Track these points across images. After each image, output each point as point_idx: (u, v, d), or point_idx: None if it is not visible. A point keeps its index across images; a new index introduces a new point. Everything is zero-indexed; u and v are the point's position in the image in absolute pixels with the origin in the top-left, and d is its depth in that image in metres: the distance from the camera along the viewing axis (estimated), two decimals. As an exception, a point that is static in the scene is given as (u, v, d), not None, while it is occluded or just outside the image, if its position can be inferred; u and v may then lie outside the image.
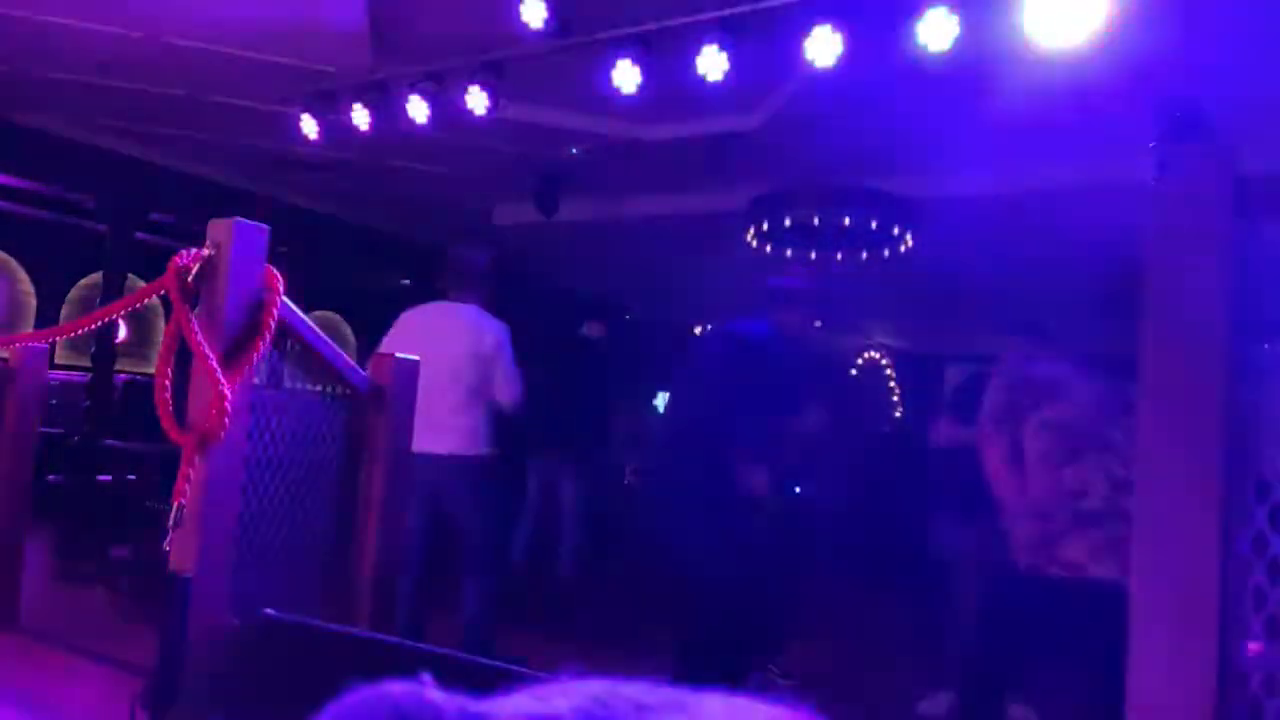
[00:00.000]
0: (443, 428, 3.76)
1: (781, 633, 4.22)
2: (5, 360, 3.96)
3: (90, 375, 7.44)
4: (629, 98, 4.13)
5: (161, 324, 9.62)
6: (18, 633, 3.84)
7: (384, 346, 3.91)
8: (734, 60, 3.88)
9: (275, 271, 2.08)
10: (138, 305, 2.22)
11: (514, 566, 5.73)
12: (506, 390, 3.94)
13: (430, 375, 3.67)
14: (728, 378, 3.51)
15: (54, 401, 7.18)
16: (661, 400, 11.50)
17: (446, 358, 3.77)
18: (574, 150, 6.18)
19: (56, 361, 8.58)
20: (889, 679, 4.53)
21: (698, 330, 11.20)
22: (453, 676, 0.53)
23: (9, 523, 3.93)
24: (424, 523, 3.83)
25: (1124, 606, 2.39)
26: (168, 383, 1.93)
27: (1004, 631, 2.66)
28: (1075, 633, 2.56)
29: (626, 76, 4.06)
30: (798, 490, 4.07)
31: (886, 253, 6.82)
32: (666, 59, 4.01)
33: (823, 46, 3.69)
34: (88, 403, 7.23)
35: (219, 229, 2.03)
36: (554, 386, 5.77)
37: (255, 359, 2.00)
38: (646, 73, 4.04)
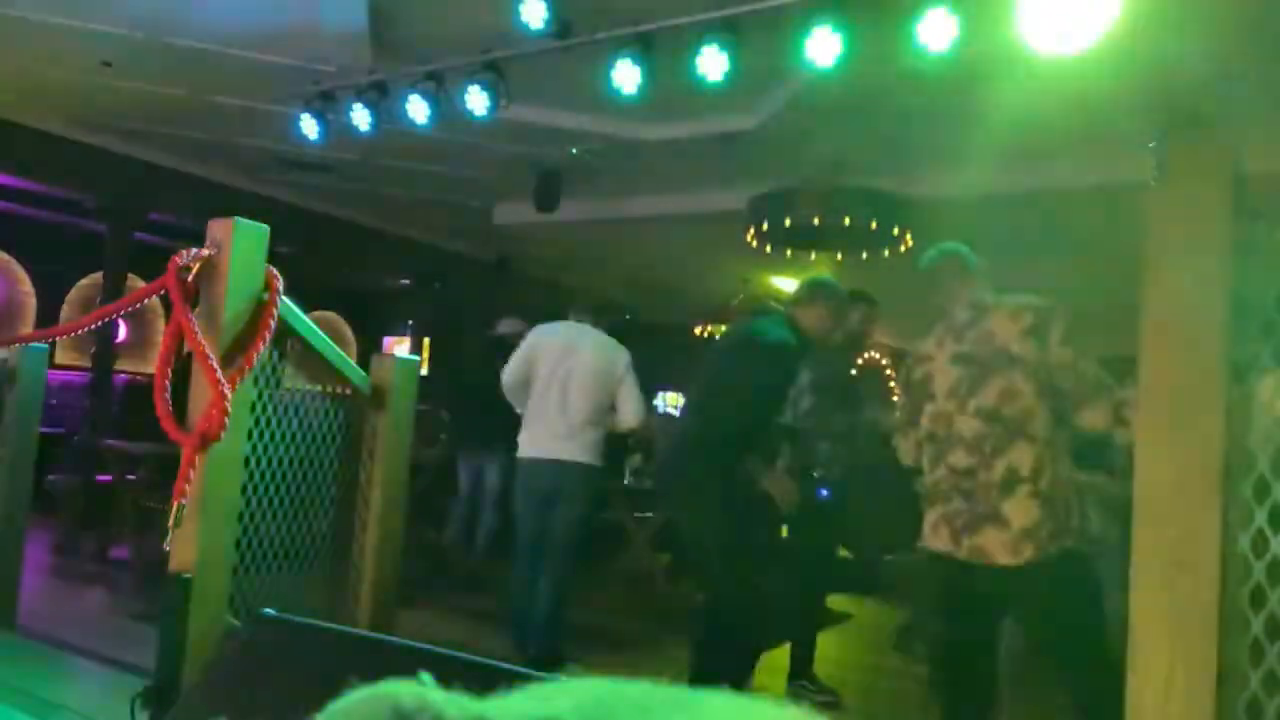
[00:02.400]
0: (569, 438, 4.19)
1: (810, 644, 4.16)
2: (5, 360, 3.96)
3: (90, 375, 7.44)
4: (629, 98, 4.13)
5: (161, 324, 9.63)
6: (18, 633, 3.84)
7: (519, 359, 4.35)
8: (734, 60, 3.88)
9: (275, 271, 2.08)
10: (138, 305, 2.22)
11: (448, 551, 6.05)
12: (632, 412, 4.31)
13: (563, 390, 4.20)
14: (737, 379, 3.44)
15: (54, 401, 7.17)
16: (661, 400, 11.50)
17: (581, 375, 4.21)
18: (574, 150, 6.18)
19: (56, 361, 8.58)
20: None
21: (698, 330, 11.19)
22: (453, 676, 0.53)
23: (9, 522, 3.93)
24: (537, 521, 4.23)
25: (960, 577, 2.59)
26: (168, 383, 1.93)
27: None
28: (946, 605, 2.83)
29: (626, 76, 4.06)
30: (823, 493, 4.05)
31: (886, 253, 6.82)
32: (666, 59, 4.01)
33: (823, 46, 3.68)
34: (88, 403, 7.24)
35: (219, 229, 2.03)
36: (477, 384, 6.15)
37: (255, 359, 1.99)
38: (646, 73, 4.04)
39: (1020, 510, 2.48)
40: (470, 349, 8.12)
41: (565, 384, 4.19)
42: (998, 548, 2.49)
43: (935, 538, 2.66)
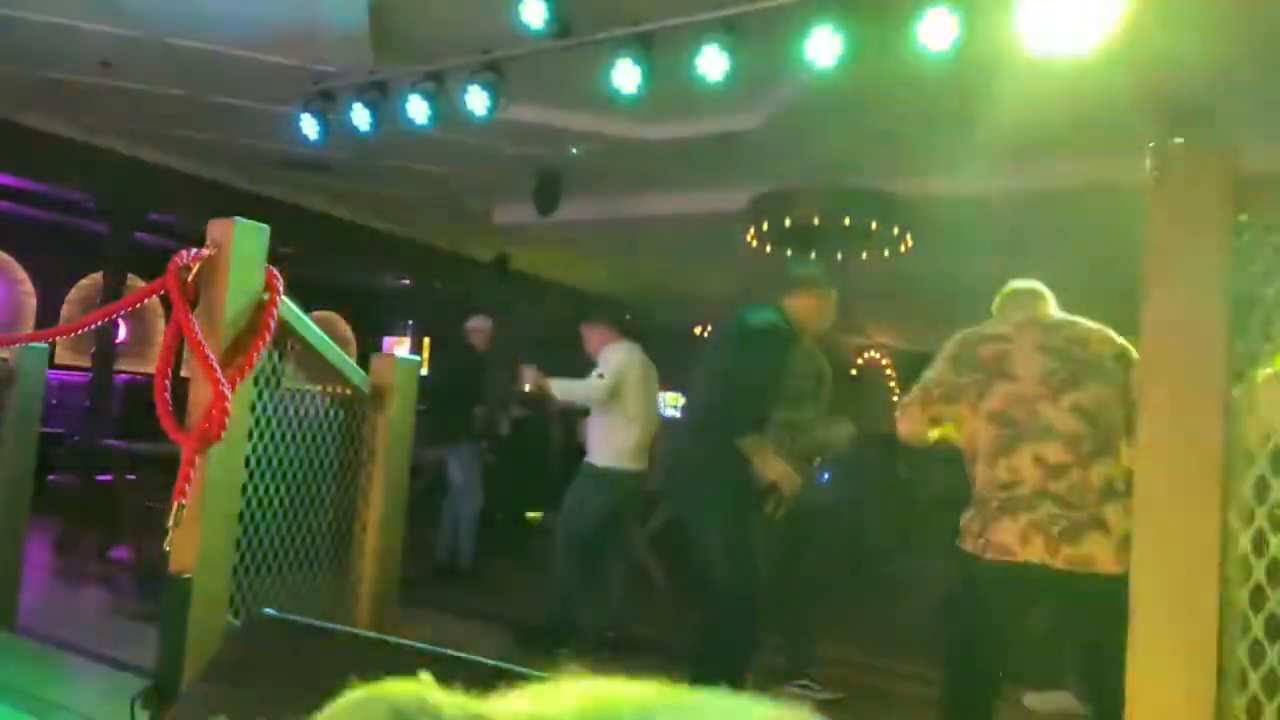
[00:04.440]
0: (646, 451, 4.75)
1: (811, 641, 4.17)
2: (5, 360, 3.97)
3: (90, 375, 7.44)
4: (629, 98, 4.13)
5: (161, 324, 9.63)
6: (18, 633, 3.84)
7: (618, 376, 4.70)
8: (734, 60, 3.87)
9: (275, 271, 2.08)
10: (138, 305, 2.22)
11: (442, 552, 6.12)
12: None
13: (649, 407, 4.78)
14: (736, 368, 3.45)
15: (54, 401, 7.17)
16: (661, 401, 11.48)
17: (656, 394, 4.94)
18: (574, 150, 6.18)
19: (56, 361, 8.58)
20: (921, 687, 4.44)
21: (698, 330, 11.18)
22: (453, 676, 0.53)
23: (9, 522, 3.93)
24: (610, 526, 4.67)
25: (1051, 587, 2.44)
26: (168, 382, 1.93)
27: (963, 618, 2.71)
28: (1015, 614, 2.62)
29: (626, 76, 4.06)
30: (826, 476, 4.08)
31: (886, 253, 6.82)
32: (666, 59, 4.00)
33: (823, 46, 3.68)
34: (88, 403, 7.24)
35: (219, 229, 2.03)
36: (443, 382, 6.46)
37: (255, 359, 1.99)
38: (646, 73, 4.04)
39: (1118, 518, 2.38)
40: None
41: (650, 403, 4.81)
42: (1105, 556, 2.37)
43: (1026, 547, 2.44)
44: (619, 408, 4.64)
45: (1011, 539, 2.47)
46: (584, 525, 4.59)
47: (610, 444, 4.64)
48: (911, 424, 2.70)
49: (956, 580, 2.74)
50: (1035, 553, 2.43)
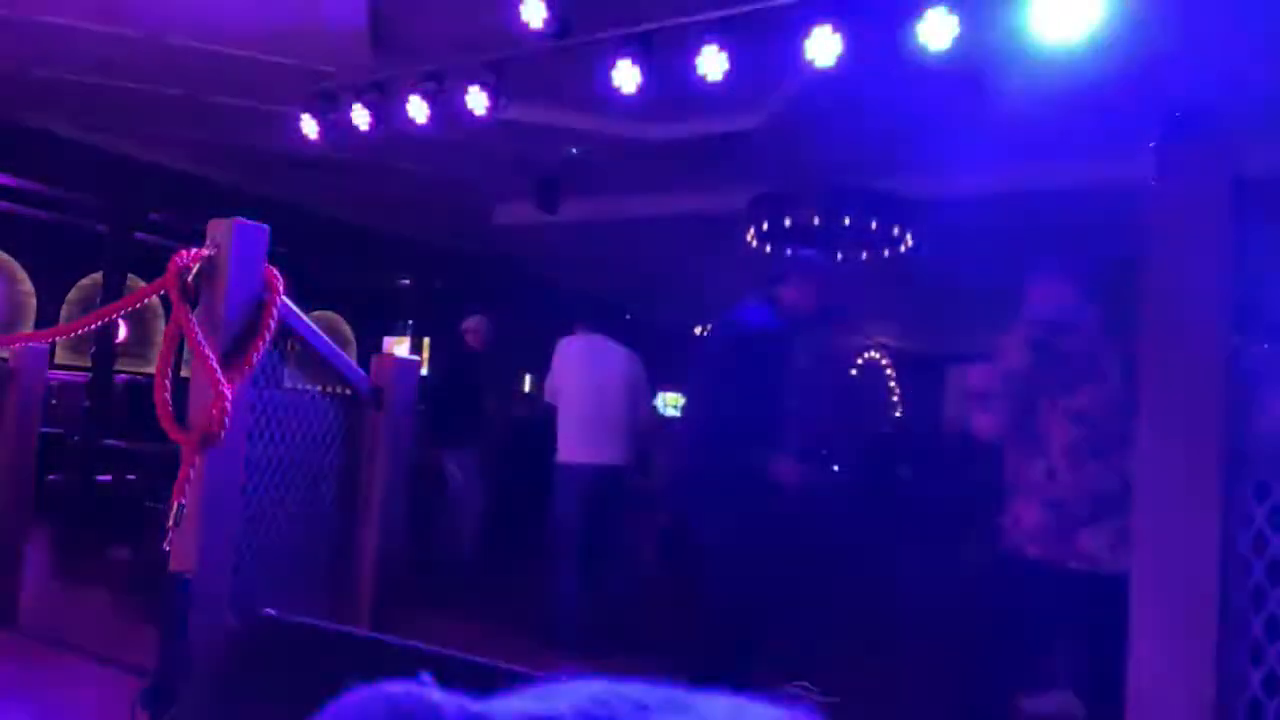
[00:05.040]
0: (606, 442, 4.60)
1: (811, 645, 4.18)
2: (5, 360, 3.97)
3: (90, 375, 7.44)
4: (629, 98, 4.13)
5: (161, 324, 9.62)
6: (18, 633, 3.84)
7: (555, 373, 4.77)
8: (734, 60, 3.87)
9: (275, 271, 2.08)
10: (138, 305, 2.22)
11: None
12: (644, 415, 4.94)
13: (600, 397, 4.60)
14: (739, 371, 3.42)
15: (54, 401, 7.17)
16: (661, 401, 11.49)
17: (614, 383, 4.68)
18: (574, 150, 6.18)
19: (56, 361, 8.57)
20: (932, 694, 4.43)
21: (698, 330, 11.18)
22: (453, 676, 0.53)
23: (10, 523, 3.93)
24: (584, 521, 4.59)
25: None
26: (168, 382, 1.93)
27: (1023, 625, 2.59)
28: (1098, 625, 2.48)
29: (626, 76, 4.06)
30: (835, 468, 4.11)
31: (886, 253, 6.82)
32: (666, 59, 4.00)
33: (823, 46, 3.68)
34: (88, 403, 7.24)
35: (219, 229, 2.02)
36: (438, 382, 6.53)
37: (255, 359, 1.99)
38: (646, 73, 4.04)
39: None
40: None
41: (589, 389, 4.60)
42: None
43: (1118, 557, 2.29)
44: (558, 399, 4.71)
45: (1100, 547, 2.35)
46: (556, 523, 4.63)
47: (560, 437, 4.68)
48: (1000, 420, 2.53)
49: (1015, 588, 2.56)
50: (1127, 561, 2.35)
